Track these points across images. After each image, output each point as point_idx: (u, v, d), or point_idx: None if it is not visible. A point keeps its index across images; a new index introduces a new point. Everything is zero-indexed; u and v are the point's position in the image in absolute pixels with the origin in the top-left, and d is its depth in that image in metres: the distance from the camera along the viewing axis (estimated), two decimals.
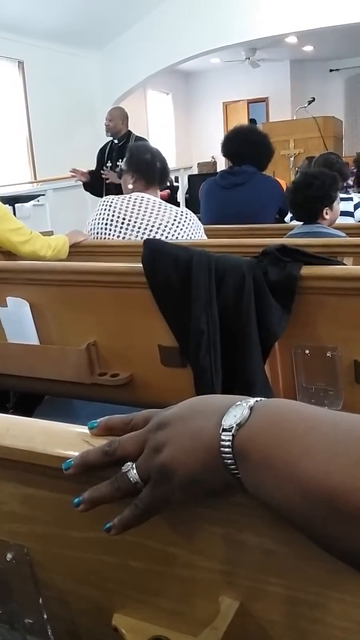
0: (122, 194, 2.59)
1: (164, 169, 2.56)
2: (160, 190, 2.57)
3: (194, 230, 2.38)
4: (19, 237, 2.24)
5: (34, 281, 1.77)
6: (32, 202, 6.87)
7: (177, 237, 2.32)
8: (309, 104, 7.78)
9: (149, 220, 2.34)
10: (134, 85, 9.24)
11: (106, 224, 2.41)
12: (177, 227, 2.32)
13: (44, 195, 7.21)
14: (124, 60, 8.90)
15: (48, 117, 8.20)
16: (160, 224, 2.32)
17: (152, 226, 2.32)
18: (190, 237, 2.37)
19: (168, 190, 8.23)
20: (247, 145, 3.11)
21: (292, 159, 8.23)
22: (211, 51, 8.74)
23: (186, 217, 2.36)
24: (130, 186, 2.49)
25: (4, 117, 7.85)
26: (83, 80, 8.89)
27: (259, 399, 0.50)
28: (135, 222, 2.35)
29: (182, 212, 2.39)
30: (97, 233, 2.45)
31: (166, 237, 2.30)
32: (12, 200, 5.66)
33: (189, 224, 2.36)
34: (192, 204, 6.74)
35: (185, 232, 2.34)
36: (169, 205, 2.43)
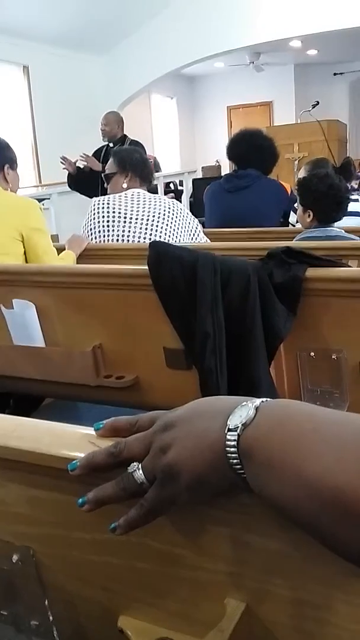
0: None
1: (151, 166, 2.81)
2: (148, 187, 2.72)
3: (189, 217, 2.52)
4: (49, 258, 2.26)
5: (40, 283, 1.77)
6: None
7: (176, 225, 2.43)
8: (313, 107, 7.75)
9: (149, 213, 2.42)
10: (138, 89, 9.25)
11: (107, 223, 2.46)
12: (173, 214, 2.44)
13: (48, 199, 7.21)
14: (128, 64, 8.92)
15: (53, 121, 8.23)
16: (159, 214, 2.41)
17: (153, 217, 2.41)
18: (188, 224, 2.50)
19: (172, 194, 8.25)
20: (252, 149, 3.12)
21: (296, 162, 8.19)
22: (215, 55, 8.75)
23: (178, 206, 2.50)
24: (125, 185, 2.62)
25: (9, 121, 7.87)
26: (87, 85, 8.90)
27: (264, 399, 0.50)
28: (137, 216, 2.43)
29: (172, 202, 2.52)
30: (99, 232, 2.49)
31: (167, 225, 2.40)
32: None
33: (182, 210, 2.50)
34: (196, 207, 6.74)
35: (181, 220, 2.46)
36: (160, 196, 2.60)
